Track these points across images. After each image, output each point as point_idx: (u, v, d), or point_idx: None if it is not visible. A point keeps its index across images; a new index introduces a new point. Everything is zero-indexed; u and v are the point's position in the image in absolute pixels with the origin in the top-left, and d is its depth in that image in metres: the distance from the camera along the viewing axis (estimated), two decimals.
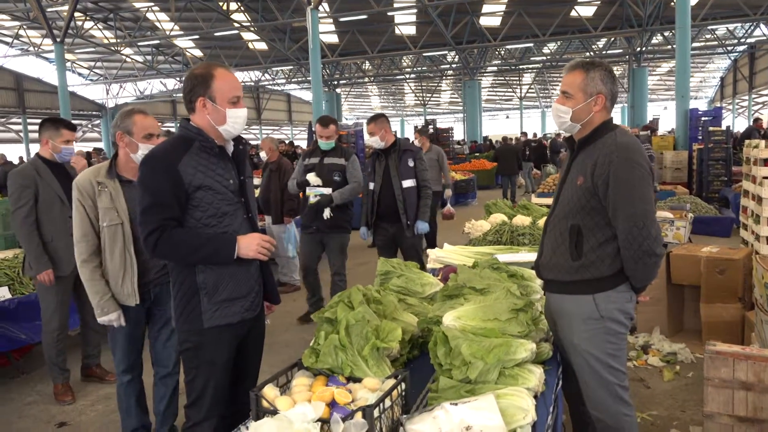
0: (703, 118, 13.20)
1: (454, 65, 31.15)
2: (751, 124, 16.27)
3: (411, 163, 4.96)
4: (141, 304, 3.07)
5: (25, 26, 23.74)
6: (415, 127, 11.09)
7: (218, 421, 2.39)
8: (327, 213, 5.03)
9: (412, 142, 9.04)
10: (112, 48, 25.65)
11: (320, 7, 15.93)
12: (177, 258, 2.30)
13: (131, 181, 3.04)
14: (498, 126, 50.56)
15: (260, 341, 2.63)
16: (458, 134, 30.41)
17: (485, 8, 22.37)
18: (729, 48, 29.56)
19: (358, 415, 1.75)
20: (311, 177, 5.06)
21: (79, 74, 32.18)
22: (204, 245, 2.25)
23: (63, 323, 4.12)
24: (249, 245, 2.31)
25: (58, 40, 18.70)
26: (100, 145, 31.82)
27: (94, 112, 34.09)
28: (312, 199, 5.03)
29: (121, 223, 3.01)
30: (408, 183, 4.93)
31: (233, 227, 2.35)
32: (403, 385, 1.98)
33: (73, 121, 4.86)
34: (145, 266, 3.07)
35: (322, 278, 5.67)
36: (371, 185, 5.05)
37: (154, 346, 3.28)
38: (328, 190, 5.04)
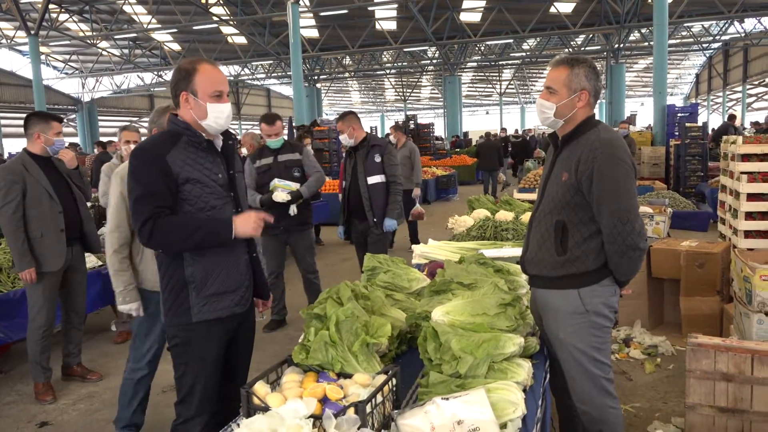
0: (679, 115, 13.40)
1: (434, 61, 31.18)
2: (726, 120, 16.57)
3: (378, 159, 4.84)
4: None
5: None
6: (396, 122, 11.05)
7: (209, 417, 2.38)
8: (294, 209, 4.93)
9: (389, 136, 8.92)
10: (88, 41, 25.17)
11: (301, 2, 15.82)
12: (173, 245, 2.26)
13: None
14: (478, 122, 50.77)
15: (250, 337, 2.63)
16: (439, 130, 30.47)
17: (465, 4, 22.43)
18: (704, 45, 30.04)
19: (351, 411, 1.75)
20: (282, 195, 4.87)
21: (54, 68, 31.58)
22: (200, 228, 2.25)
23: (50, 320, 4.07)
24: (246, 223, 2.30)
25: (32, 32, 18.36)
26: (76, 139, 31.27)
27: (69, 107, 33.47)
28: (280, 195, 4.85)
29: None
30: (374, 179, 4.81)
31: None
32: (394, 381, 1.99)
33: None
34: None
35: (293, 280, 5.62)
36: (344, 183, 5.00)
37: None
38: (295, 185, 4.92)
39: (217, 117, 2.31)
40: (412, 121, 22.45)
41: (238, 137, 11.01)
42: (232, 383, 2.50)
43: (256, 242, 2.57)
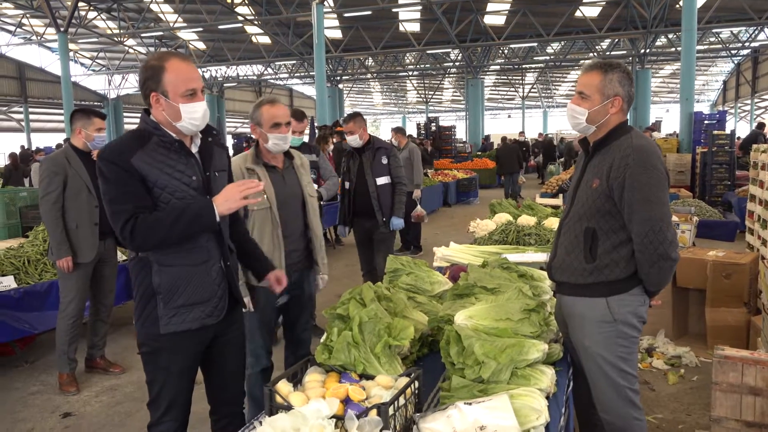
0: (706, 122, 13.18)
1: (457, 63, 31.08)
2: (755, 128, 16.26)
3: (385, 161, 4.99)
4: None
5: (28, 15, 23.67)
6: (398, 126, 10.96)
7: (180, 426, 2.33)
8: None
9: (390, 140, 8.91)
10: (115, 39, 25.56)
11: (325, 2, 15.89)
12: (158, 239, 2.10)
13: (275, 167, 3.10)
14: (500, 125, 50.49)
15: (237, 344, 2.49)
16: (460, 133, 30.33)
17: (490, 7, 22.31)
18: (733, 51, 29.52)
19: (373, 413, 1.75)
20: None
21: (82, 64, 32.08)
22: (181, 215, 2.09)
23: (80, 311, 4.17)
24: (228, 197, 2.13)
25: (62, 29, 18.67)
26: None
27: (95, 103, 33.99)
28: None
29: (269, 206, 3.01)
30: (382, 180, 4.96)
31: None
32: (417, 383, 1.98)
33: None
34: (288, 249, 3.07)
35: None
36: (347, 184, 5.07)
37: (293, 330, 3.28)
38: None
39: (192, 117, 2.15)
40: (434, 123, 22.39)
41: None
42: (224, 392, 2.48)
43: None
